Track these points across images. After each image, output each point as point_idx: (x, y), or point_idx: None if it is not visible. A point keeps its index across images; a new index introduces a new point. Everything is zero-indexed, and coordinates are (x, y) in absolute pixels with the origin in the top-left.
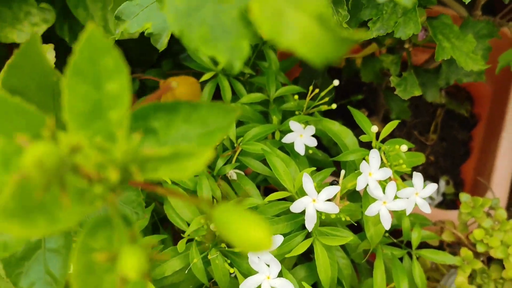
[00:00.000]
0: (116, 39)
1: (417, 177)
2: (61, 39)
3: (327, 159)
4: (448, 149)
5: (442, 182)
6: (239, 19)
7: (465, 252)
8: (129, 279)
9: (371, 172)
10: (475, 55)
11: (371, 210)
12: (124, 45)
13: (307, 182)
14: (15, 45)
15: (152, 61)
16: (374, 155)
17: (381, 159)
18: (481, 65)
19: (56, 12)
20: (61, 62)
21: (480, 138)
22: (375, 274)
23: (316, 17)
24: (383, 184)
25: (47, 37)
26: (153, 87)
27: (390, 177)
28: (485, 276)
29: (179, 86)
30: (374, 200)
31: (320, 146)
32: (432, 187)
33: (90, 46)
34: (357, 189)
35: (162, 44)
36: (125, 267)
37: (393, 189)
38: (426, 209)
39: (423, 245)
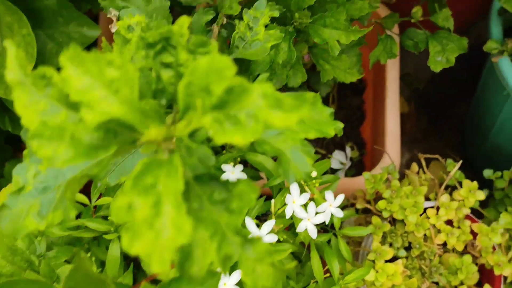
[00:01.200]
0: None
1: (329, 194)
2: None
3: (257, 174)
4: (347, 116)
5: (348, 148)
6: None
7: (375, 219)
8: None
9: (294, 200)
10: (351, 70)
11: (300, 227)
12: None
13: (250, 224)
14: None
15: None
16: (294, 187)
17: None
18: (357, 76)
19: None
20: None
21: (370, 101)
22: (312, 263)
23: (271, 264)
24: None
25: None
26: None
27: (309, 198)
28: (393, 235)
29: None
30: (301, 219)
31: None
32: (341, 198)
33: None
34: (286, 217)
35: None
36: None
37: (313, 208)
38: (339, 215)
39: None
